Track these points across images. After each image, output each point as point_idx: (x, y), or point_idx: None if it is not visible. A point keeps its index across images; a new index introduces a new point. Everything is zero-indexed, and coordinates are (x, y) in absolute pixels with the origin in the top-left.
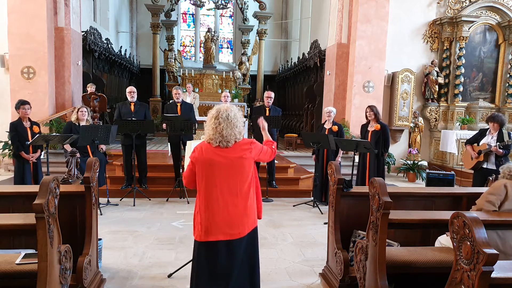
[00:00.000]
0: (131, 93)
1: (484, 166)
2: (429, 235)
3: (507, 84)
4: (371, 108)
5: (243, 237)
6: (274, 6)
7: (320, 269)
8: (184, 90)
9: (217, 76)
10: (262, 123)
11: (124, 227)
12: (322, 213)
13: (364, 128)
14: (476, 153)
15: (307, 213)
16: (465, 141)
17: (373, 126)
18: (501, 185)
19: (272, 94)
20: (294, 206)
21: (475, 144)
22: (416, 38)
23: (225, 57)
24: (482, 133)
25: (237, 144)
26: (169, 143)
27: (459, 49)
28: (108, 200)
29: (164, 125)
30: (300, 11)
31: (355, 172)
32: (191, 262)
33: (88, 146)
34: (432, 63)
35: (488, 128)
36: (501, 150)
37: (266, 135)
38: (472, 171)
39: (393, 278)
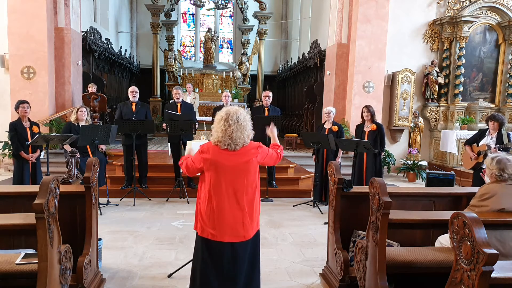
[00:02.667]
0: (133, 92)
1: (483, 166)
2: (429, 235)
3: (507, 84)
4: (368, 108)
5: (248, 240)
6: (274, 6)
7: (320, 269)
8: (184, 90)
9: (217, 76)
10: (272, 129)
11: (124, 227)
12: (322, 213)
13: (359, 128)
14: (475, 154)
15: (307, 213)
16: (465, 141)
17: (369, 126)
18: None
19: (270, 94)
20: (294, 206)
21: (475, 145)
22: (416, 38)
23: (225, 57)
24: (481, 134)
25: (245, 148)
26: (169, 143)
27: (459, 49)
28: (108, 200)
29: (164, 125)
30: (300, 11)
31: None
32: (191, 262)
33: (88, 146)
34: (432, 63)
35: (488, 129)
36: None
37: (274, 138)
38: (472, 171)
39: (393, 278)
